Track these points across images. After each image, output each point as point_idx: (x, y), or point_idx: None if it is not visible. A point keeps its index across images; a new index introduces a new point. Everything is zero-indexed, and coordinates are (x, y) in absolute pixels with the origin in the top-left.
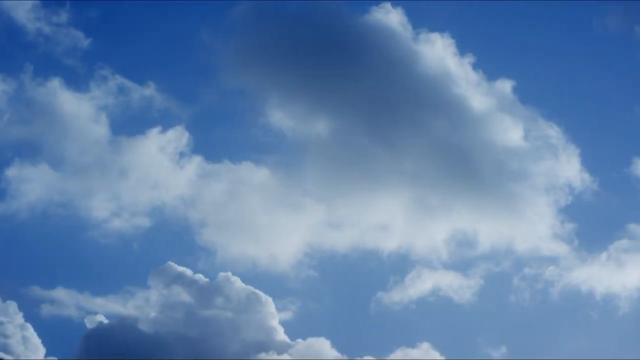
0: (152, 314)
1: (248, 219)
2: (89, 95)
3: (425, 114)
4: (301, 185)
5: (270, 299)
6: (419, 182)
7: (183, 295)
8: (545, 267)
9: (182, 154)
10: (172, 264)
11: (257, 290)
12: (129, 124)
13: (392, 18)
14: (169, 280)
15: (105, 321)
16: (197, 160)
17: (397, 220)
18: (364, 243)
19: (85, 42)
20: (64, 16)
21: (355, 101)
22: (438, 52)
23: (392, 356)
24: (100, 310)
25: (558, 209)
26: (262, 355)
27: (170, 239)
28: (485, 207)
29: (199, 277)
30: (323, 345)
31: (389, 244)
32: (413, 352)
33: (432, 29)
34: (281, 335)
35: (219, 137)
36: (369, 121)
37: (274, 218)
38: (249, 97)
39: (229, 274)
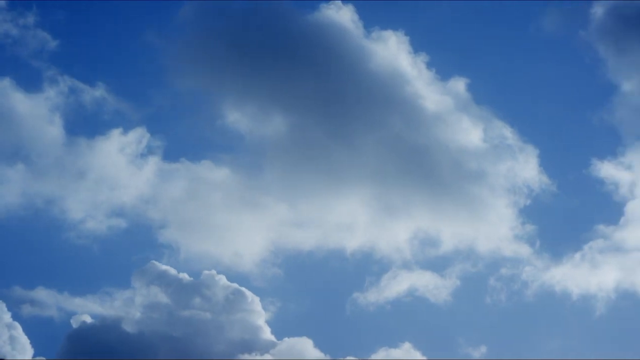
0: (136, 314)
1: (210, 218)
2: (42, 96)
3: (380, 112)
4: (262, 184)
5: (257, 298)
6: (379, 180)
7: (167, 295)
8: (508, 268)
9: (139, 155)
10: (156, 263)
11: (242, 288)
12: (83, 125)
13: (343, 16)
14: (152, 280)
15: (89, 321)
16: (155, 160)
17: (359, 219)
18: (328, 242)
19: (33, 42)
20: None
21: (310, 100)
22: (392, 50)
23: (373, 356)
24: (84, 310)
25: (518, 210)
26: (246, 355)
27: (134, 240)
28: (446, 208)
29: (184, 275)
30: (306, 344)
31: (353, 243)
32: (395, 352)
33: (385, 27)
34: (267, 334)
35: (176, 138)
36: (325, 120)
37: (236, 217)
38: (202, 97)
39: (214, 272)
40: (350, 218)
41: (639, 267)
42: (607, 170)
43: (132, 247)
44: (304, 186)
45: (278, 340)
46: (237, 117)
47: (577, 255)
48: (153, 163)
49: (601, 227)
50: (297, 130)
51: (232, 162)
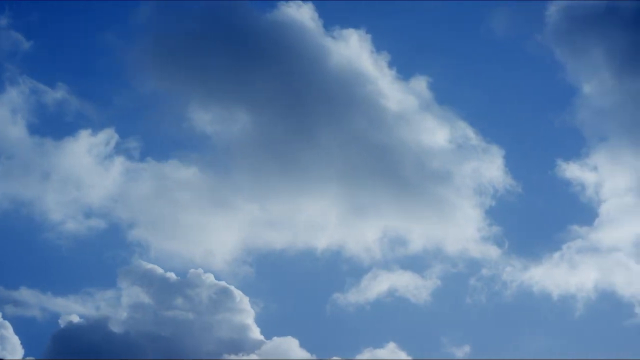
0: (122, 314)
1: (180, 218)
2: (2, 98)
3: (343, 111)
4: (230, 183)
5: (246, 298)
6: (347, 180)
7: (153, 294)
8: (476, 269)
9: (106, 155)
10: (142, 262)
11: (230, 287)
12: (46, 126)
13: (304, 14)
14: (138, 279)
15: (76, 321)
16: (122, 160)
17: (329, 218)
18: (298, 242)
19: None
20: None
21: (273, 99)
22: (353, 49)
23: (358, 356)
24: (67, 310)
25: (484, 211)
26: (232, 356)
27: (104, 240)
28: (413, 208)
29: (170, 275)
30: (291, 344)
31: (323, 242)
32: (380, 352)
33: (345, 25)
34: (255, 333)
35: (141, 138)
36: (289, 119)
37: (206, 216)
38: (166, 98)
39: (200, 270)
40: (319, 217)
41: (612, 267)
42: (572, 171)
43: (103, 247)
44: (272, 185)
45: (267, 339)
46: (202, 116)
47: (547, 257)
48: (120, 163)
49: (570, 228)
50: (262, 129)
51: (200, 162)
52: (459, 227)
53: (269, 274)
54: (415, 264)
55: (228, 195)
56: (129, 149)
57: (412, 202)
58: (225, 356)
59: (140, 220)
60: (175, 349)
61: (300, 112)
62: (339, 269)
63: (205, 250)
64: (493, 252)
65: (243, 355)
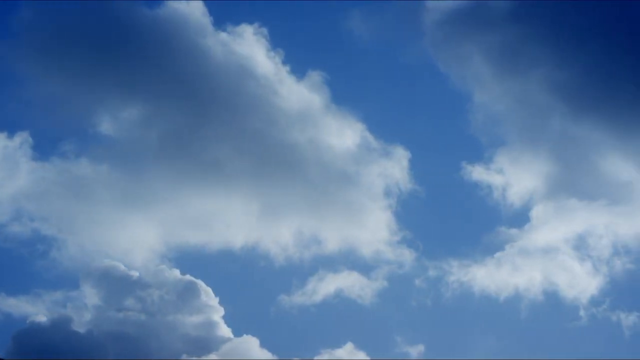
0: (85, 313)
1: (96, 217)
2: None
3: (237, 108)
4: (144, 182)
5: (215, 298)
6: (258, 179)
7: (116, 292)
8: (388, 269)
9: (7, 156)
10: (106, 260)
11: (198, 281)
12: None
13: (194, 10)
14: (101, 278)
15: (39, 321)
16: (26, 160)
17: (244, 218)
18: (215, 240)
19: None
20: None
21: (166, 95)
22: (246, 46)
23: (317, 357)
24: (19, 311)
25: (393, 213)
26: (194, 356)
27: (16, 238)
28: (321, 209)
29: (134, 273)
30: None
31: (239, 240)
32: (339, 352)
33: (237, 22)
34: (223, 330)
35: (47, 137)
36: (186, 117)
37: (121, 214)
38: (62, 97)
39: (164, 266)
40: (235, 216)
41: (502, 269)
42: (479, 174)
43: (18, 245)
44: (186, 185)
45: (237, 337)
46: (101, 115)
47: (454, 261)
48: (25, 162)
49: (498, 230)
50: (159, 126)
51: (110, 161)
52: (370, 230)
53: (189, 273)
54: (331, 264)
55: (140, 193)
56: (32, 149)
57: (322, 203)
58: (184, 356)
59: (53, 217)
60: (139, 346)
61: (196, 110)
62: (255, 266)
63: (122, 250)
64: (408, 254)
65: (206, 355)
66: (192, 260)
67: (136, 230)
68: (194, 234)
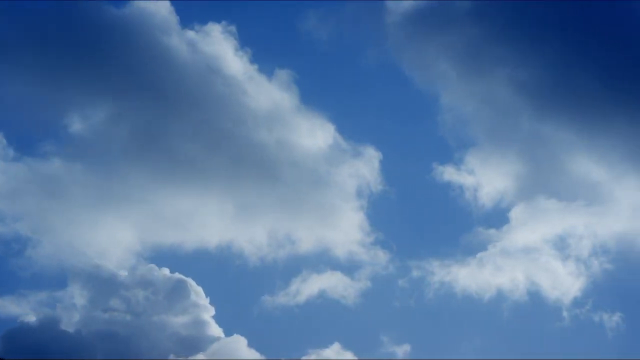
0: (74, 313)
1: (70, 216)
2: None
3: (205, 107)
4: (118, 181)
5: (205, 296)
6: (231, 179)
7: (103, 292)
8: (374, 271)
9: None
10: (93, 260)
11: (188, 278)
12: None
13: (160, 9)
14: (87, 278)
15: (28, 320)
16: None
17: (219, 217)
18: (191, 240)
19: None
20: None
21: (132, 95)
22: (213, 45)
23: (305, 357)
24: (13, 311)
25: (365, 213)
26: (181, 356)
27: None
28: (296, 211)
29: (122, 272)
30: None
31: (214, 240)
32: (326, 352)
33: (205, 21)
34: (213, 329)
35: (19, 137)
36: (154, 116)
37: (97, 214)
38: (35, 97)
39: (154, 265)
40: (208, 215)
41: (483, 269)
42: (450, 174)
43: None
44: (157, 182)
45: (227, 337)
46: (72, 115)
47: (434, 261)
48: None
49: (450, 230)
50: (127, 125)
51: (84, 160)
52: (343, 230)
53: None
54: (308, 264)
55: (118, 194)
56: (5, 148)
57: (295, 203)
58: (171, 356)
59: (26, 217)
60: (129, 347)
61: (165, 109)
62: (231, 264)
63: (99, 247)
64: (382, 255)
65: (195, 355)
66: (169, 259)
67: (111, 229)
68: (169, 233)
